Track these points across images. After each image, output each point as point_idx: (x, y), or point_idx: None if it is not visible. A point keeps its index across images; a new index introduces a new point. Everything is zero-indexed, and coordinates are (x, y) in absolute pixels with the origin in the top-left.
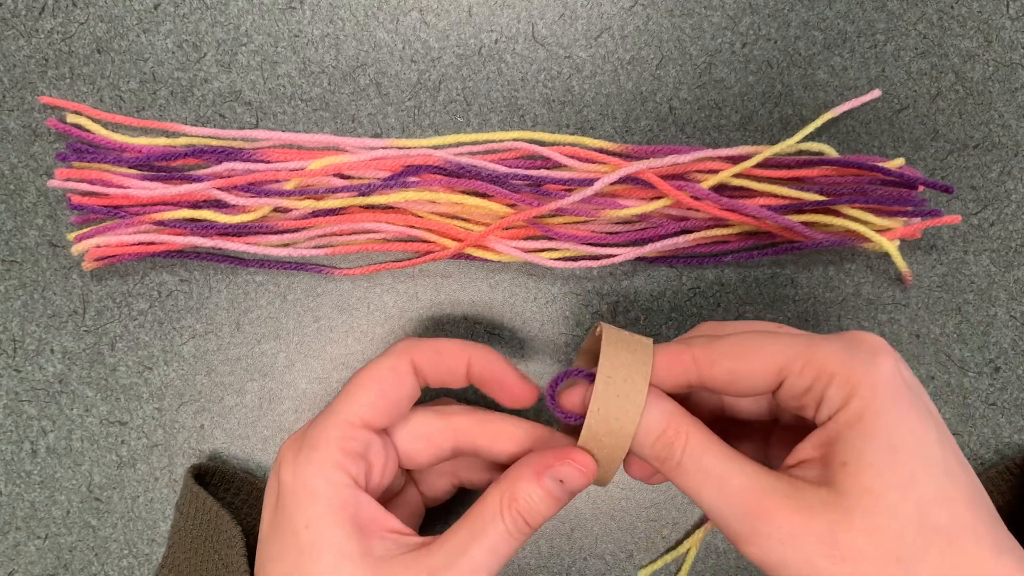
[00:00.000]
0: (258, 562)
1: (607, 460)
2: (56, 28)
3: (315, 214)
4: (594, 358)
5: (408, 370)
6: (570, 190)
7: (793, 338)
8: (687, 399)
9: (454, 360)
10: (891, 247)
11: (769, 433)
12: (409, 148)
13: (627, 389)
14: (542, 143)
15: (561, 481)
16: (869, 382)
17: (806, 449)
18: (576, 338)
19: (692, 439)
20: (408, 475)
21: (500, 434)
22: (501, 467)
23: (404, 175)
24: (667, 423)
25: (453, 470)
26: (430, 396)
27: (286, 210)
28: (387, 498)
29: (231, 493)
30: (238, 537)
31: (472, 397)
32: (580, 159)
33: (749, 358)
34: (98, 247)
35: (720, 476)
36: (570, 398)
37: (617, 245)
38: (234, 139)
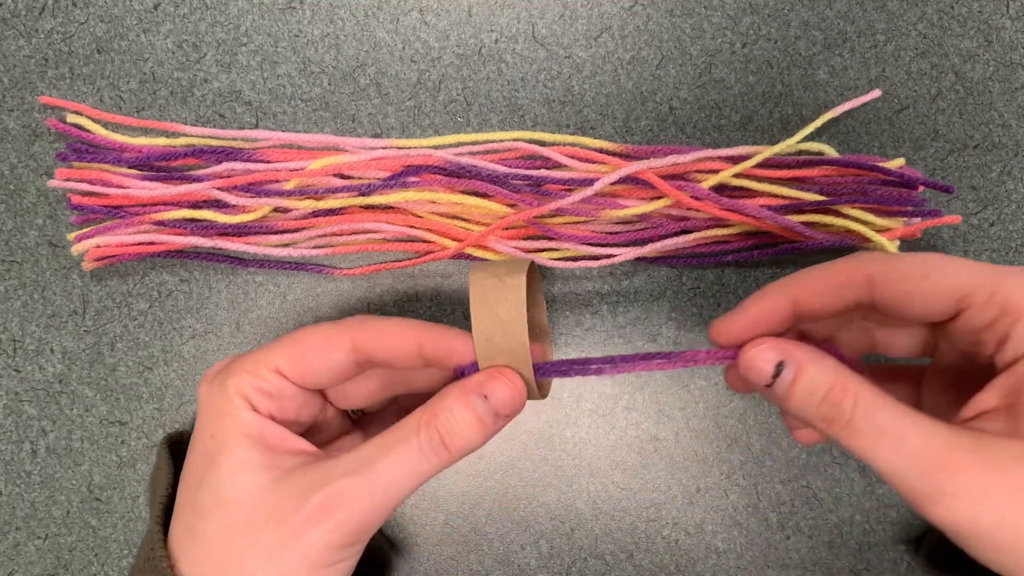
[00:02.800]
0: (182, 470)
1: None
2: (56, 28)
3: (315, 214)
4: None
5: (342, 346)
6: (570, 190)
7: (979, 265)
8: (831, 338)
9: (401, 342)
10: (891, 247)
11: (920, 374)
12: (409, 148)
13: (509, 344)
14: (542, 143)
15: (486, 397)
16: None
17: (988, 398)
18: (576, 338)
19: (862, 396)
20: (322, 397)
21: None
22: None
23: (404, 175)
24: (832, 380)
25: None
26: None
27: (286, 210)
28: (321, 443)
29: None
30: (167, 469)
31: None
32: (580, 159)
33: (931, 279)
34: (98, 247)
35: (897, 433)
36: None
37: (617, 245)
38: (234, 139)
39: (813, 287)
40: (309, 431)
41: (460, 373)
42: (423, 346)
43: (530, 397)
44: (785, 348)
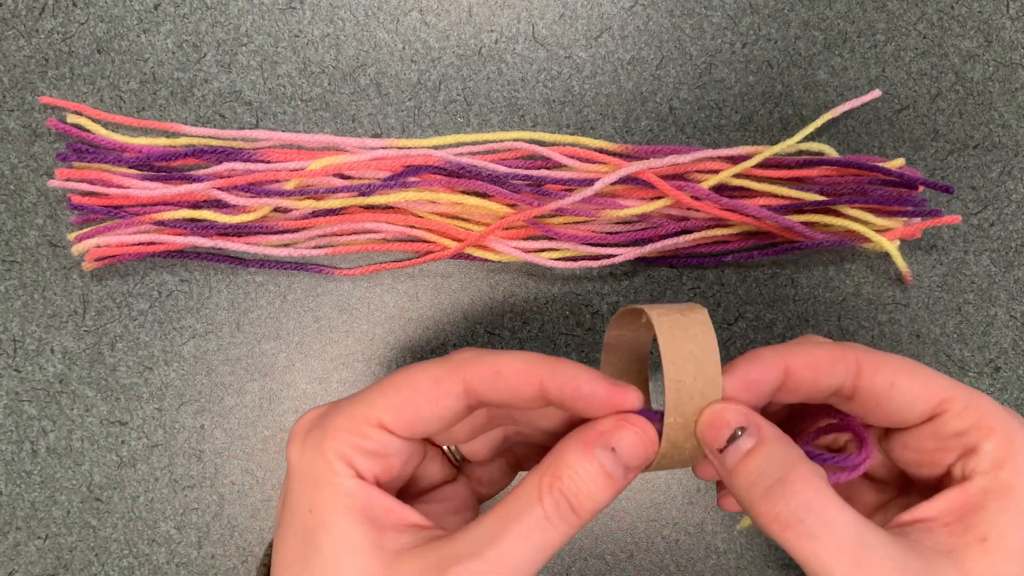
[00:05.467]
0: (274, 542)
1: (689, 459)
2: (56, 28)
3: (315, 214)
4: (624, 351)
5: (454, 390)
6: (570, 190)
7: (951, 378)
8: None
9: (519, 382)
10: (891, 247)
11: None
12: (409, 148)
13: (700, 386)
14: (542, 143)
15: (614, 449)
16: None
17: (933, 508)
18: (576, 338)
19: (822, 495)
20: (456, 466)
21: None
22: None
23: (404, 175)
24: (792, 467)
25: (499, 445)
26: None
27: (286, 210)
28: (420, 492)
29: None
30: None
31: None
32: (580, 159)
33: (916, 376)
34: (98, 247)
35: (857, 548)
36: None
37: (617, 245)
38: (234, 139)
39: (807, 359)
40: (409, 481)
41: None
42: (546, 386)
43: (661, 464)
44: (753, 417)
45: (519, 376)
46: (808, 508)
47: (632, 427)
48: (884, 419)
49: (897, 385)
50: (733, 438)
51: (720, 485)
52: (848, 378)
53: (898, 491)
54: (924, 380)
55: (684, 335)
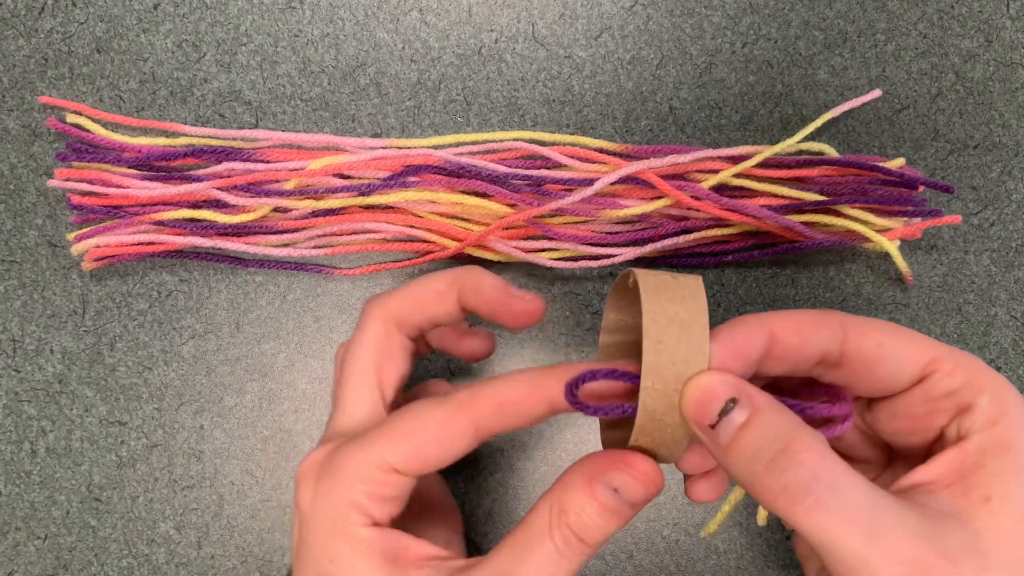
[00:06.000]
0: None
1: (673, 440)
2: (56, 28)
3: (315, 214)
4: (624, 340)
5: (465, 433)
6: (570, 190)
7: (936, 340)
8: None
9: (526, 408)
10: (891, 247)
11: None
12: (409, 148)
13: (684, 351)
14: (542, 143)
15: (616, 490)
16: (1020, 409)
17: (931, 471)
18: (576, 339)
19: (829, 463)
20: None
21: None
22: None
23: (404, 175)
24: (794, 435)
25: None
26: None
27: (286, 210)
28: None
29: None
30: None
31: None
32: (580, 159)
33: (904, 337)
34: (98, 247)
35: (869, 516)
36: (601, 391)
37: (617, 245)
38: (234, 139)
39: (792, 323)
40: None
41: (571, 387)
42: (555, 408)
43: (666, 459)
44: (742, 386)
45: (524, 402)
46: (817, 477)
47: (630, 471)
48: (873, 385)
49: (885, 346)
50: (724, 412)
51: (688, 475)
52: (834, 343)
53: (881, 468)
54: (912, 340)
55: (671, 296)
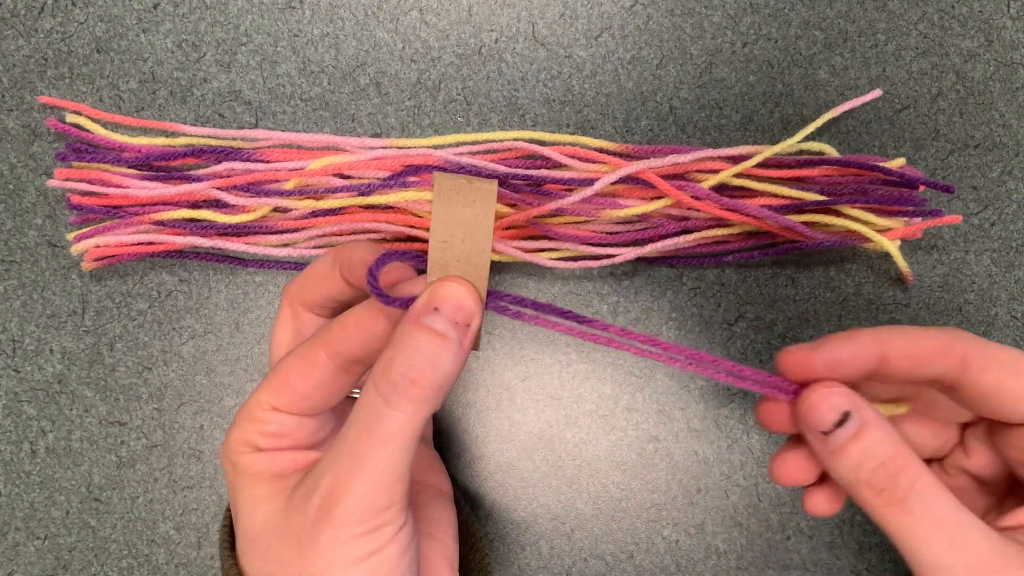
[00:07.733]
0: None
1: None
2: (55, 28)
3: (315, 214)
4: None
5: (318, 359)
6: (570, 190)
7: None
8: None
9: (368, 329)
10: (892, 247)
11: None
12: (409, 148)
13: (468, 250)
14: (542, 143)
15: (436, 309)
16: None
17: None
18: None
19: (923, 476)
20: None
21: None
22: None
23: (404, 175)
24: (895, 451)
25: None
26: None
27: (286, 210)
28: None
29: None
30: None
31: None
32: (580, 159)
33: None
34: (97, 247)
35: (953, 528)
36: (395, 277)
37: (617, 245)
38: (234, 139)
39: (908, 348)
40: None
41: (372, 272)
42: (391, 318)
43: None
44: (856, 400)
45: (363, 319)
46: (911, 486)
47: (445, 281)
48: (987, 414)
49: (1004, 386)
50: (840, 423)
51: (809, 489)
52: (951, 373)
53: (1005, 492)
54: None
55: (463, 199)
